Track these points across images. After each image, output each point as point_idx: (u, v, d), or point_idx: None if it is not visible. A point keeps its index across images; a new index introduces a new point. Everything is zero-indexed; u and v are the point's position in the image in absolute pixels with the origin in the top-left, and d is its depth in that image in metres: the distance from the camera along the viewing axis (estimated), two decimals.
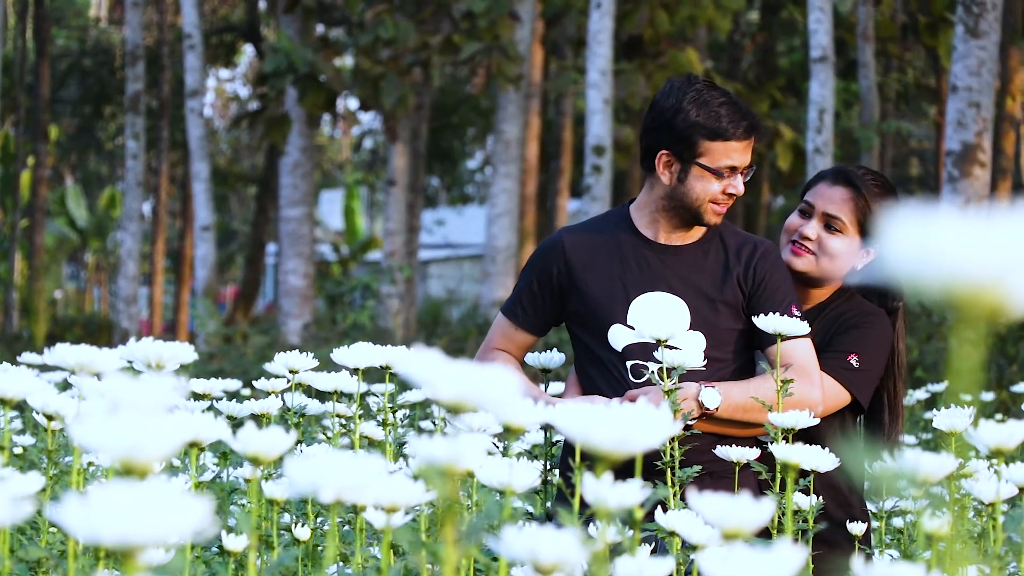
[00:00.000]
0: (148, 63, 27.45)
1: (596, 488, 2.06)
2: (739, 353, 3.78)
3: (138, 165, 23.78)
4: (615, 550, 2.38)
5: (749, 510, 1.73)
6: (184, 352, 2.85)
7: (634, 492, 2.08)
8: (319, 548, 3.64)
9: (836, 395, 3.76)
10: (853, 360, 3.78)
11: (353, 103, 31.55)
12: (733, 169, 3.74)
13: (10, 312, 28.35)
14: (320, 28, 24.07)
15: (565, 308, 3.88)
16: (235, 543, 2.94)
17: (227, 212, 38.47)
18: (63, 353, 2.70)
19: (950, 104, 13.54)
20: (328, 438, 3.87)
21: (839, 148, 22.17)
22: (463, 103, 29.74)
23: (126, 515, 1.23)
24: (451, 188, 36.96)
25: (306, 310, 21.44)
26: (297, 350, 3.81)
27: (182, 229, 28.99)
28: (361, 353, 3.49)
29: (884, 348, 3.85)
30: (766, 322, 3.35)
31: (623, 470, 3.05)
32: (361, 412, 3.72)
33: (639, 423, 1.60)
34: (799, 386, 3.59)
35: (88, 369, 2.59)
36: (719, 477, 3.67)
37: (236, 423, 4.62)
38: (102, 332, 28.62)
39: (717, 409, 3.61)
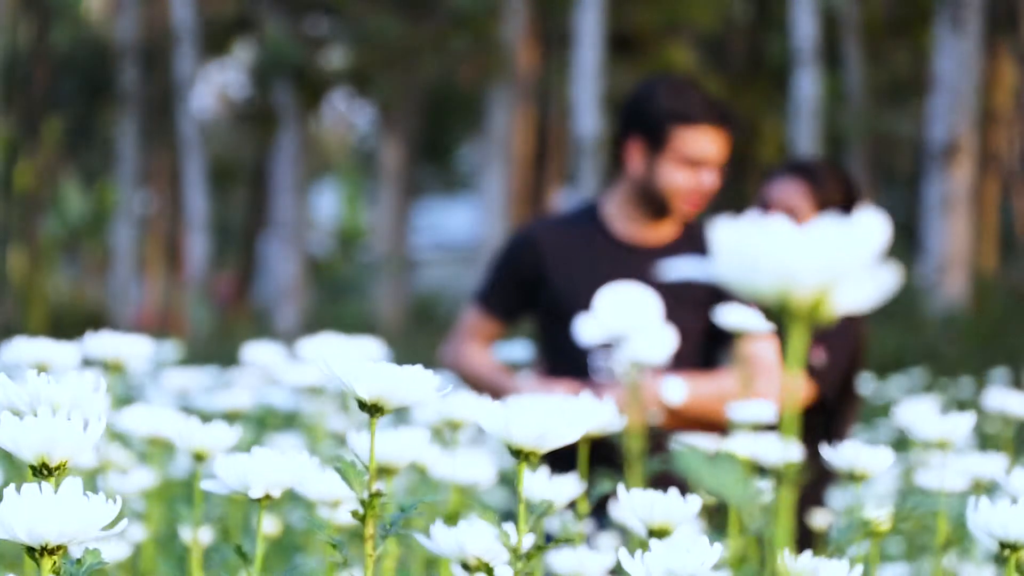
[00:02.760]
0: (142, 57, 27.44)
1: (530, 483, 2.08)
2: (704, 351, 3.78)
3: (132, 159, 23.80)
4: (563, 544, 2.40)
5: (675, 506, 1.75)
6: (142, 348, 2.87)
7: (569, 488, 2.11)
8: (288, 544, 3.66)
9: (803, 392, 3.77)
10: (819, 355, 3.79)
11: (345, 96, 31.56)
12: (705, 162, 3.69)
13: (6, 305, 28.36)
14: (312, 21, 24.07)
15: (533, 301, 3.86)
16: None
17: (221, 205, 38.44)
18: (21, 348, 2.71)
19: (934, 98, 13.57)
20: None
21: (825, 143, 22.16)
22: (455, 97, 29.72)
23: (39, 514, 1.25)
24: (443, 181, 36.96)
25: (298, 302, 21.46)
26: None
27: (176, 222, 28.99)
28: (327, 346, 3.50)
29: (849, 342, 3.87)
30: (730, 318, 3.35)
31: (593, 459, 3.06)
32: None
33: (558, 418, 1.61)
34: (763, 384, 3.60)
35: (46, 365, 2.60)
36: None
37: (207, 418, 4.64)
38: (98, 325, 28.57)
39: (681, 404, 3.60)
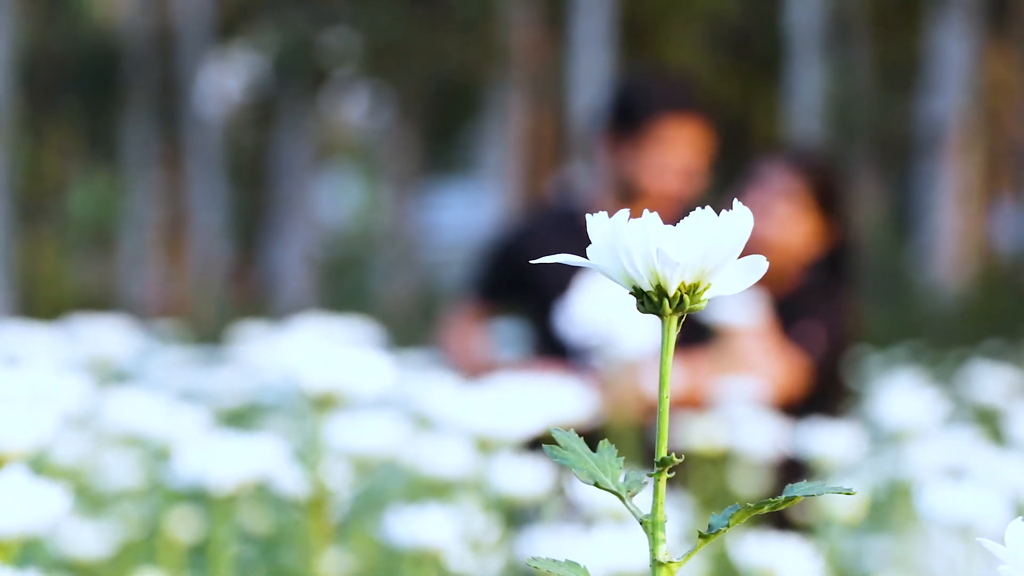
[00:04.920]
0: (150, 45, 27.49)
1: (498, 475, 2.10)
2: (688, 348, 3.77)
3: (140, 146, 23.85)
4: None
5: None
6: (124, 337, 2.90)
7: (535, 478, 2.12)
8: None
9: (794, 381, 3.78)
10: (809, 347, 3.80)
11: (352, 82, 31.59)
12: (681, 152, 3.63)
13: (15, 291, 28.42)
14: (317, 8, 24.08)
15: (518, 297, 3.84)
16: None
17: (227, 190, 38.46)
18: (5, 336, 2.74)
19: (936, 85, 13.55)
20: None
21: (830, 131, 22.12)
22: (463, 84, 29.70)
23: None
24: (450, 168, 36.94)
25: (304, 288, 21.49)
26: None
27: (183, 208, 29.03)
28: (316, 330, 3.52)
29: (843, 331, 3.88)
30: (715, 316, 3.33)
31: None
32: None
33: (517, 411, 1.63)
34: (751, 370, 3.58)
35: (20, 352, 2.63)
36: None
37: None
38: (106, 310, 28.56)
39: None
